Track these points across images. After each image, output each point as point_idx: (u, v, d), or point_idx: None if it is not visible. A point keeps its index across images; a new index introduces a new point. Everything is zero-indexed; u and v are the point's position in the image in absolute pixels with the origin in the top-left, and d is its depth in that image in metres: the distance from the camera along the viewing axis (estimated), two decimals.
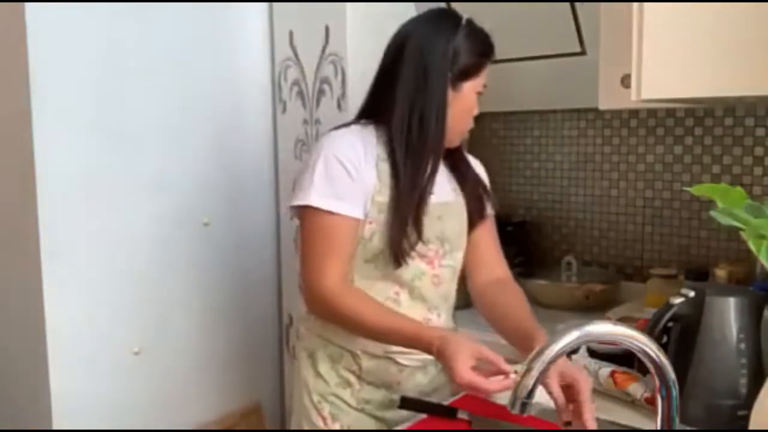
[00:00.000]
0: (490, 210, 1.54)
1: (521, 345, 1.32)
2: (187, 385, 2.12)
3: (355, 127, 1.42)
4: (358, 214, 1.34)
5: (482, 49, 1.40)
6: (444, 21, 1.40)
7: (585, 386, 1.18)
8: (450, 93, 1.38)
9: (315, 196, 1.33)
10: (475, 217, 1.50)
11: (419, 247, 1.37)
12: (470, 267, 1.54)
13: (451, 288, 1.49)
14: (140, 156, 1.96)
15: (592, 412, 1.17)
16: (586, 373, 1.27)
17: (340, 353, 1.43)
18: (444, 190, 1.45)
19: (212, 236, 2.15)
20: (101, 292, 1.90)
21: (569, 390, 1.18)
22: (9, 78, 1.79)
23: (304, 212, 1.36)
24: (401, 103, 1.37)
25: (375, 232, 1.36)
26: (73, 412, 1.86)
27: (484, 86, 1.43)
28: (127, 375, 1.97)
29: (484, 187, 1.54)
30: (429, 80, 1.36)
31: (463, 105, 1.40)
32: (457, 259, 1.48)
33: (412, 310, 1.41)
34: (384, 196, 1.36)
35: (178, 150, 2.05)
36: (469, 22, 1.41)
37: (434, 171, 1.39)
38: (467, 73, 1.38)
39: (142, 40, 1.94)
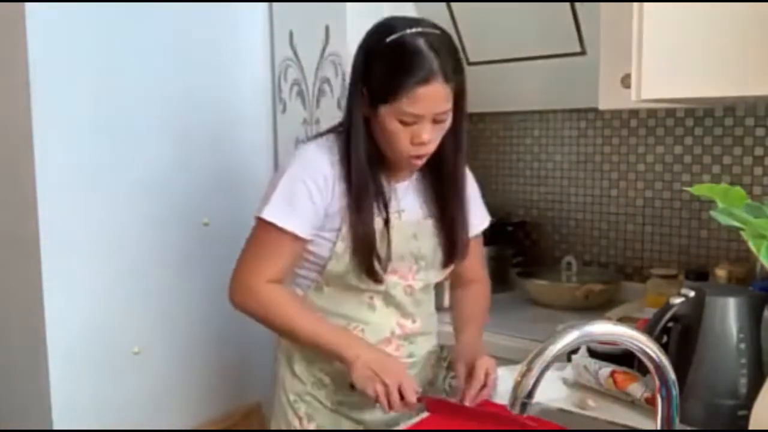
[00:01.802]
0: (474, 230, 1.50)
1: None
2: (187, 385, 2.12)
3: (330, 139, 1.41)
4: (305, 233, 1.35)
5: (396, 74, 1.26)
6: (372, 34, 1.34)
7: (481, 364, 1.35)
8: (367, 112, 1.33)
9: (269, 210, 1.34)
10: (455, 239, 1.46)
11: (391, 263, 1.38)
12: (451, 276, 1.56)
13: (424, 297, 1.50)
14: (140, 156, 1.96)
15: (485, 389, 1.34)
16: (486, 358, 1.39)
17: (314, 354, 1.44)
18: (416, 209, 1.44)
19: (212, 236, 2.15)
20: (101, 292, 1.90)
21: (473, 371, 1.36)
22: (9, 78, 1.79)
23: (258, 222, 1.38)
24: (343, 118, 1.39)
25: (347, 248, 1.36)
26: (73, 412, 1.86)
27: (437, 120, 1.30)
28: (127, 375, 1.97)
29: (458, 209, 1.46)
30: (349, 95, 1.36)
31: (382, 128, 1.31)
32: (431, 276, 1.48)
33: (385, 316, 1.43)
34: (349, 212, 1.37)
35: (178, 150, 2.05)
36: (396, 41, 1.27)
37: (363, 194, 1.35)
38: (378, 96, 1.29)
39: (142, 40, 1.94)
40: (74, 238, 1.83)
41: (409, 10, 2.14)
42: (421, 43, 1.26)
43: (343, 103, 2.05)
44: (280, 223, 1.33)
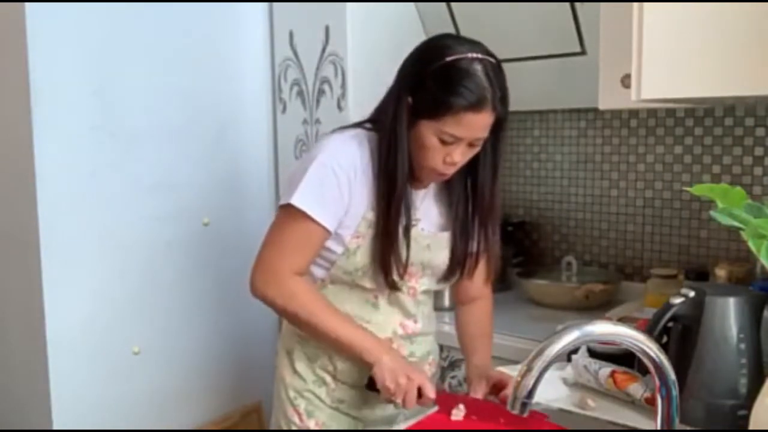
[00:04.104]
0: (482, 253, 1.48)
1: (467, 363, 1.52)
2: (187, 385, 2.13)
3: (359, 133, 1.39)
4: (331, 226, 1.35)
5: (448, 94, 1.25)
6: (430, 48, 1.33)
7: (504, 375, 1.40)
8: (406, 124, 1.32)
9: (299, 197, 1.33)
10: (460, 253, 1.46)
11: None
12: (455, 286, 1.56)
13: (425, 298, 1.50)
14: (140, 156, 1.96)
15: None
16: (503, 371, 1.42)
17: (316, 353, 1.45)
18: (433, 220, 1.44)
19: (212, 236, 2.15)
20: (101, 292, 1.90)
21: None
22: (9, 78, 1.79)
23: (286, 208, 1.35)
24: (379, 120, 1.37)
25: (360, 246, 1.37)
26: (73, 412, 1.86)
27: (473, 144, 1.31)
28: (127, 375, 1.97)
29: (484, 231, 1.45)
30: (390, 102, 1.35)
31: (417, 142, 1.32)
32: (435, 283, 1.48)
33: (388, 315, 1.44)
34: (374, 213, 1.36)
35: (178, 150, 2.05)
36: (455, 62, 1.27)
37: (399, 201, 1.34)
38: (423, 110, 1.29)
39: (142, 40, 1.94)
40: (74, 238, 1.84)
41: (409, 10, 2.14)
42: (479, 69, 1.27)
43: (343, 103, 2.08)
44: (308, 211, 1.32)
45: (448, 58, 1.27)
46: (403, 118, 1.31)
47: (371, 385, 1.33)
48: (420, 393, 1.29)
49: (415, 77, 1.31)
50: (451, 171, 1.34)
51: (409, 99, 1.31)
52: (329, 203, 1.33)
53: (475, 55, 1.28)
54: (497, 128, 1.33)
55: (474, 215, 1.43)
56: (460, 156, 1.31)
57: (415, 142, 1.32)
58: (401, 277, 1.38)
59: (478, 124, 1.28)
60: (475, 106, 1.25)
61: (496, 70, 1.29)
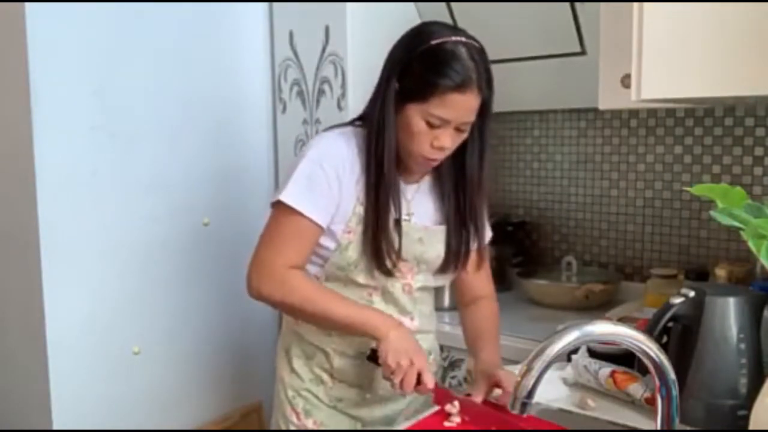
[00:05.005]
0: (474, 243, 1.48)
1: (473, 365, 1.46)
2: (187, 385, 2.13)
3: (349, 131, 1.41)
4: (323, 222, 1.35)
5: (434, 76, 1.27)
6: (416, 34, 1.34)
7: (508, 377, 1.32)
8: (393, 109, 1.33)
9: (288, 194, 1.34)
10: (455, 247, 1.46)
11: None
12: (455, 284, 1.56)
13: (423, 296, 1.49)
14: (140, 156, 1.96)
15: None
16: (508, 370, 1.38)
17: (313, 351, 1.46)
18: (427, 214, 1.44)
19: (212, 236, 2.15)
20: (101, 292, 1.90)
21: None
22: (9, 78, 1.79)
23: (277, 205, 1.37)
24: (368, 113, 1.38)
25: (351, 242, 1.38)
26: (73, 412, 1.86)
27: (460, 129, 1.32)
28: (127, 375, 1.97)
29: (474, 220, 1.46)
30: (379, 91, 1.36)
31: (404, 127, 1.32)
32: (430, 279, 1.48)
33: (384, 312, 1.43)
34: (364, 207, 1.37)
35: (177, 150, 2.05)
36: (440, 45, 1.28)
37: (388, 189, 1.35)
38: (410, 94, 1.30)
39: (142, 40, 1.94)
40: (74, 238, 1.84)
41: (409, 10, 2.15)
42: (464, 51, 1.29)
43: (343, 103, 2.08)
44: (297, 207, 1.34)
45: (434, 42, 1.29)
46: (390, 103, 1.33)
47: (373, 356, 1.33)
48: (419, 380, 1.28)
49: (401, 63, 1.32)
50: (439, 156, 1.35)
51: (396, 84, 1.32)
52: (318, 198, 1.35)
53: (459, 38, 1.30)
54: (483, 113, 1.34)
55: (465, 204, 1.44)
56: (448, 140, 1.32)
57: (402, 128, 1.33)
58: (394, 264, 1.38)
59: (464, 106, 1.29)
60: (461, 86, 1.27)
61: (480, 53, 1.31)
